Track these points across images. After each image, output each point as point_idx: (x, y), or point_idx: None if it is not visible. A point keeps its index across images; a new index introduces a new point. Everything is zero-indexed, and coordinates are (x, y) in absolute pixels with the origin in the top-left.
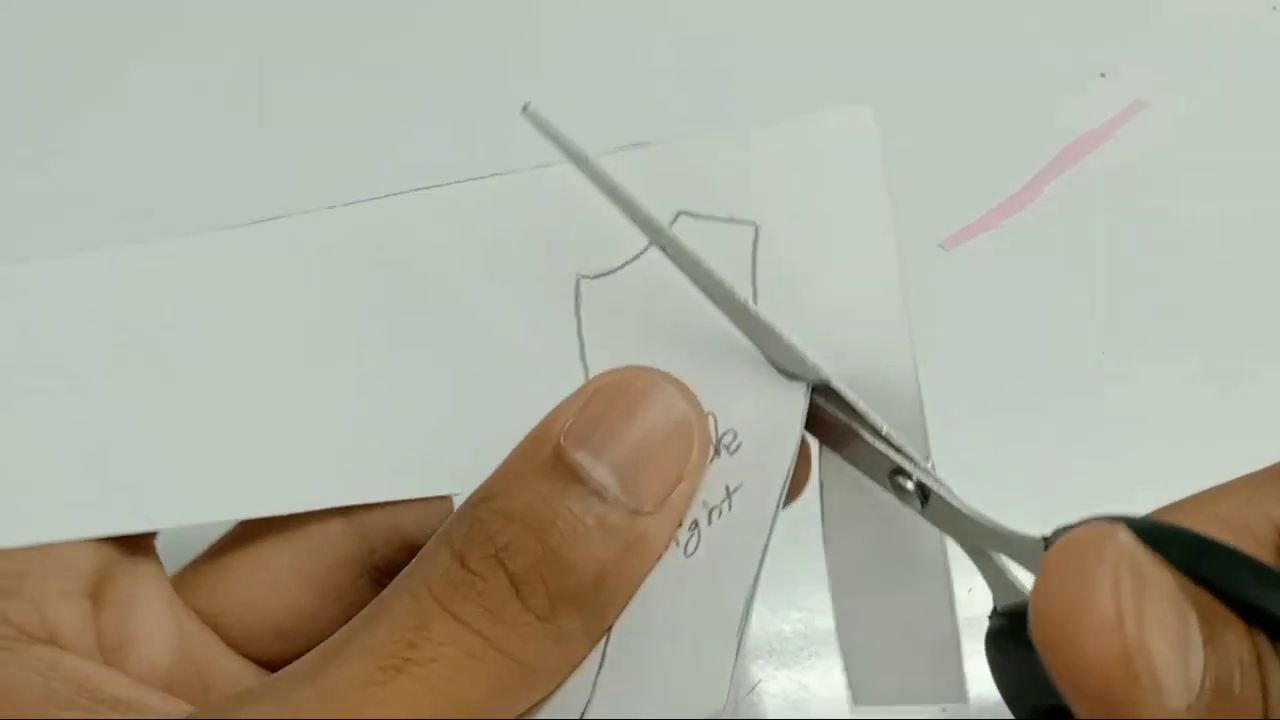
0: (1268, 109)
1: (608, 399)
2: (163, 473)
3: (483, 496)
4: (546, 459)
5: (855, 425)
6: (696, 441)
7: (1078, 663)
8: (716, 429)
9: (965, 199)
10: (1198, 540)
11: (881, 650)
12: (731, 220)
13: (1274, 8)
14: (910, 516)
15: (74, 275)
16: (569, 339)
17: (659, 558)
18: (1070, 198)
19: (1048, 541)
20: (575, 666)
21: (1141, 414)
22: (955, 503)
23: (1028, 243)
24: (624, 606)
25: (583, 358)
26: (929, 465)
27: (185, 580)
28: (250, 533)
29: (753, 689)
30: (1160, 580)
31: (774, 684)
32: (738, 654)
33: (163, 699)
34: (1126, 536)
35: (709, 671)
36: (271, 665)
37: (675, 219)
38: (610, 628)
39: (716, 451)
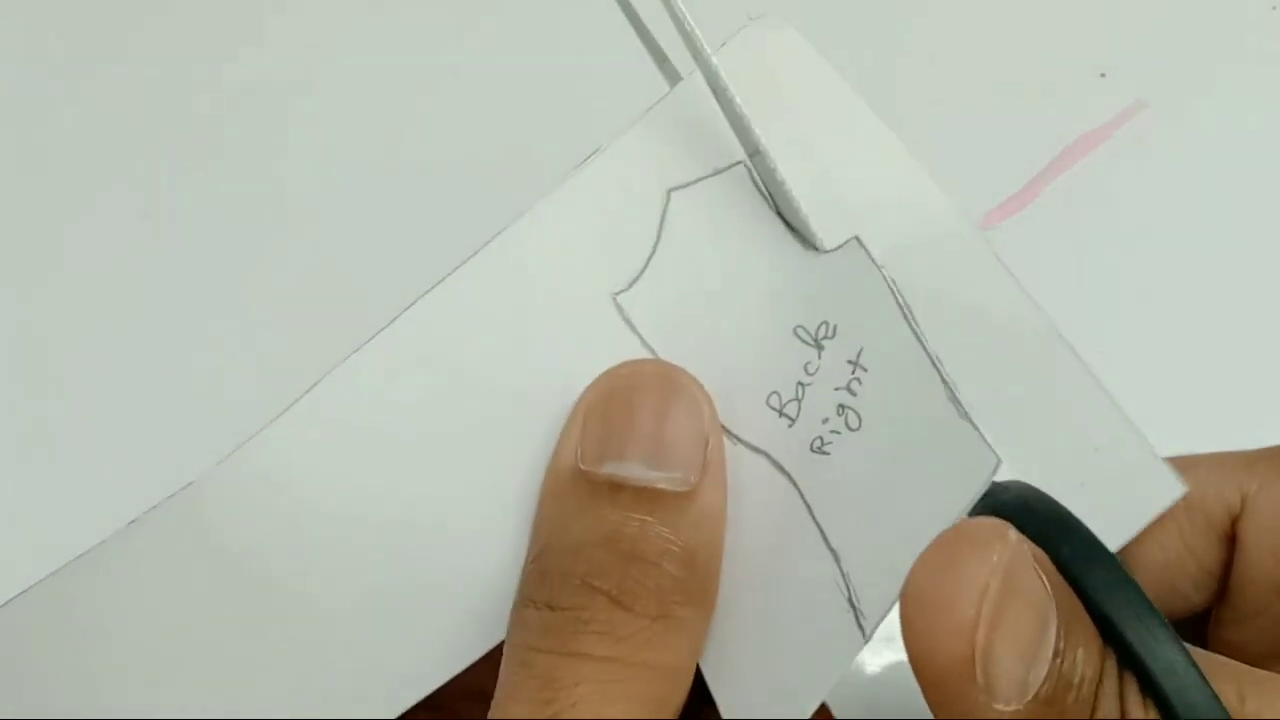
0: (1267, 109)
1: (601, 411)
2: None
3: (538, 550)
4: (579, 488)
5: None
6: (701, 398)
7: (926, 652)
8: (814, 335)
9: (965, 199)
10: (1094, 547)
11: None
12: (718, 172)
13: (1274, 8)
14: None
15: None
16: (641, 355)
17: (725, 514)
18: (1070, 198)
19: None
20: (701, 650)
21: (1141, 414)
22: None
23: (1027, 243)
24: (719, 570)
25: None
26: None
27: None
28: None
29: None
30: (1030, 590)
31: None
32: (970, 419)
33: None
34: (1014, 539)
35: (959, 452)
36: None
37: (667, 200)
38: (715, 596)
39: (820, 345)
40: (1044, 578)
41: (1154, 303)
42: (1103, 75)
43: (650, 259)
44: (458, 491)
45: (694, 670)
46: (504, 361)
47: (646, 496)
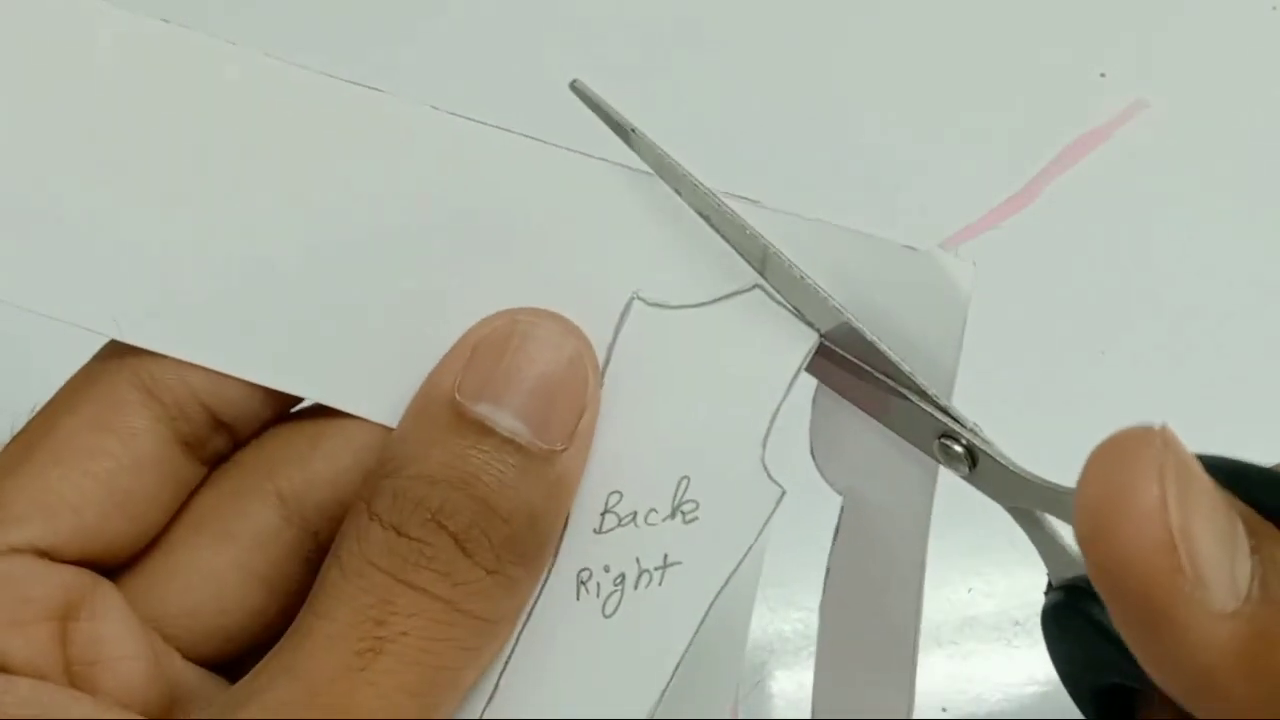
0: (1268, 109)
1: (493, 347)
2: (134, 283)
3: (395, 467)
4: (449, 418)
5: (901, 389)
6: (590, 370)
7: (1118, 553)
8: (683, 491)
9: (965, 199)
10: (1240, 466)
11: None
12: (799, 317)
13: (1274, 8)
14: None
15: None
16: (599, 348)
17: (577, 489)
18: (1070, 198)
19: None
20: (523, 612)
21: (1142, 414)
22: (1006, 463)
23: (1028, 243)
24: (555, 543)
25: (603, 370)
26: (974, 426)
27: (122, 587)
28: (185, 531)
29: (753, 689)
30: (1204, 479)
31: (774, 684)
32: None
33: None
34: (1172, 433)
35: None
36: (219, 667)
37: (750, 289)
38: (548, 570)
39: (671, 514)
40: (1209, 477)
41: (1155, 302)
42: (1103, 75)
43: (686, 308)
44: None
45: (511, 634)
46: (506, 231)
47: (511, 449)
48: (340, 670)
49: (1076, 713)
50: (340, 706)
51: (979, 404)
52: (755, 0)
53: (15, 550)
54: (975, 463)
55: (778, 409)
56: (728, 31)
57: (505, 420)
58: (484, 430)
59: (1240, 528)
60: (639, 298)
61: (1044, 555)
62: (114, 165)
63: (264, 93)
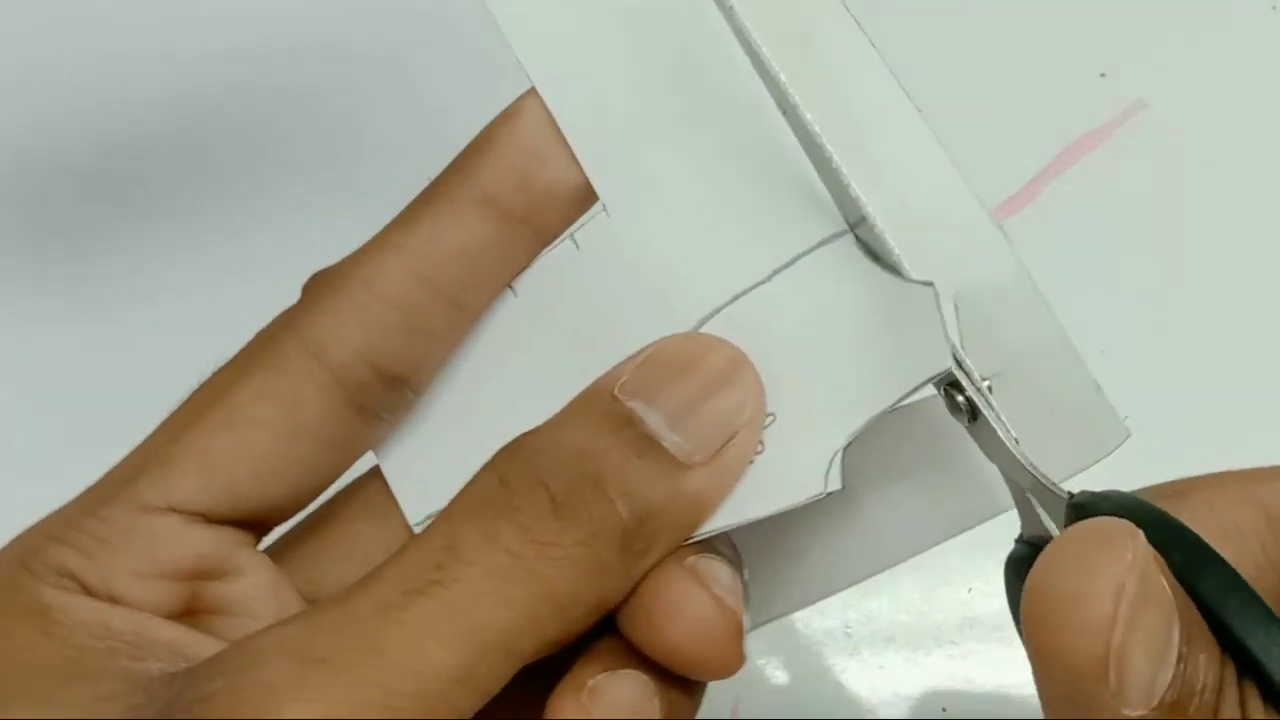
0: (1268, 109)
1: (663, 360)
2: None
3: (538, 430)
4: (603, 406)
5: None
6: (752, 393)
7: (1055, 650)
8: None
9: None
10: (1207, 554)
11: None
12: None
13: (1274, 8)
14: None
15: None
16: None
17: (709, 513)
18: (1070, 198)
19: (1071, 500)
20: (608, 607)
21: (1141, 415)
22: (999, 431)
23: (1027, 243)
24: (666, 554)
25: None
26: (985, 386)
27: (281, 556)
28: (342, 510)
29: (753, 689)
30: (1161, 595)
31: (774, 684)
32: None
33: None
34: (1144, 543)
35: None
36: None
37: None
38: (646, 574)
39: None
40: (1168, 582)
41: (1155, 303)
42: (1103, 75)
43: (882, 269)
44: None
45: (588, 623)
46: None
47: (647, 445)
48: (380, 606)
49: None
50: (362, 643)
51: None
52: None
53: (172, 509)
54: (974, 418)
55: (873, 420)
56: None
57: (652, 419)
58: (627, 422)
59: (1176, 638)
60: (856, 234)
61: (1020, 511)
62: None
63: None
